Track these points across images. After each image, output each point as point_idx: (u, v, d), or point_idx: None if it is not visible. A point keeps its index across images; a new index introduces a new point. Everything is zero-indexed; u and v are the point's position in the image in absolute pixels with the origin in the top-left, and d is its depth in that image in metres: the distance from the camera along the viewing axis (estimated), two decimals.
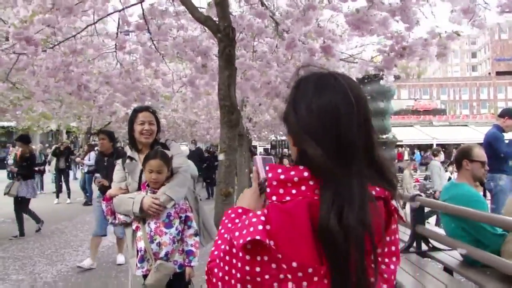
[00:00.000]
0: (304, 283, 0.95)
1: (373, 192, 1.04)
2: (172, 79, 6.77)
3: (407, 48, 4.97)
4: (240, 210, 1.19)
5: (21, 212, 8.75)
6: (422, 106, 54.78)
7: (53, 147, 16.05)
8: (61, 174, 14.12)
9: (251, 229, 0.96)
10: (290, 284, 0.95)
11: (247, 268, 0.96)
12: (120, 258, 6.62)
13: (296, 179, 1.00)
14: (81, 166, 15.62)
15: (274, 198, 1.00)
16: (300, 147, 1.06)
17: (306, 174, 1.01)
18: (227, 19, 4.22)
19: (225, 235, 1.10)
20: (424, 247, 4.69)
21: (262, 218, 0.98)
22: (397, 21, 4.67)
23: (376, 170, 1.06)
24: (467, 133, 38.91)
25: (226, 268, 1.01)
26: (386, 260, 1.07)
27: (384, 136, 10.15)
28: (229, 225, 1.14)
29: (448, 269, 4.20)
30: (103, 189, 5.76)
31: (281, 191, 1.00)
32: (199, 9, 4.67)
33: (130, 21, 5.45)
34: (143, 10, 5.29)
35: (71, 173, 16.60)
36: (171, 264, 3.12)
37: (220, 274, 1.03)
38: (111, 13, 5.50)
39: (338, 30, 6.11)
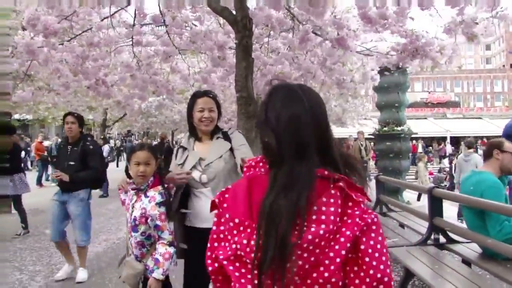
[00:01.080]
0: (234, 231, 1.29)
1: (319, 174, 1.29)
2: (188, 73, 6.74)
3: (420, 49, 4.93)
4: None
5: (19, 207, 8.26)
6: (436, 99, 54.27)
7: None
8: None
9: (220, 197, 1.38)
10: (236, 238, 1.28)
11: (214, 228, 1.37)
12: (82, 275, 5.39)
13: (253, 163, 1.40)
14: None
15: (241, 175, 1.48)
16: (263, 139, 1.37)
17: (259, 158, 1.40)
18: (244, 10, 4.20)
19: None
20: (442, 239, 4.67)
21: (226, 189, 1.39)
22: (412, 19, 4.62)
23: (331, 161, 1.34)
24: (481, 126, 38.53)
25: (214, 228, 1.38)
26: (313, 225, 1.25)
27: (399, 129, 10.01)
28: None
29: (466, 262, 4.17)
30: (62, 185, 5.27)
31: (248, 173, 1.39)
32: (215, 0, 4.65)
33: (147, 13, 5.44)
34: (159, 3, 5.29)
35: None
36: (140, 265, 2.94)
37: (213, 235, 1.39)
38: (127, 6, 5.49)
39: (354, 25, 6.04)
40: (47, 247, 7.04)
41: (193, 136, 3.14)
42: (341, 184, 1.28)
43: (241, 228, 1.28)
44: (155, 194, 2.90)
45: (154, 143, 16.35)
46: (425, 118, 43.33)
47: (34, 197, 13.01)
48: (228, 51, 5.67)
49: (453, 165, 14.82)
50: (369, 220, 1.27)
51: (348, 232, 1.24)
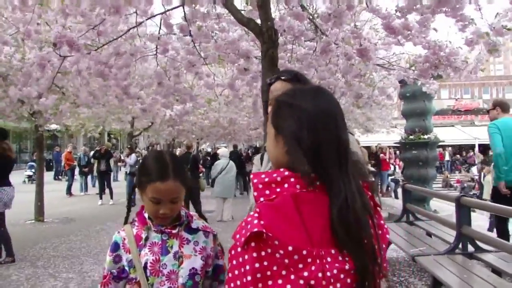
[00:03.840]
0: (300, 265, 1.06)
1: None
2: (214, 81, 6.83)
3: (443, 59, 4.91)
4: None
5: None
6: (464, 106, 53.33)
7: (93, 151, 16.52)
8: (103, 176, 14.52)
9: (249, 226, 1.08)
10: (305, 272, 1.06)
11: (257, 265, 1.06)
12: None
13: (279, 178, 1.15)
14: (124, 167, 16.07)
15: (261, 199, 1.14)
16: (298, 141, 1.19)
17: (286, 173, 1.15)
18: (270, 21, 4.27)
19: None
20: (470, 248, 4.63)
21: (256, 215, 1.10)
22: (436, 30, 4.60)
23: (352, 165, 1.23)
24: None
25: (236, 272, 1.10)
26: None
27: (426, 137, 9.90)
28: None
29: (496, 271, 4.12)
30: None
31: (267, 192, 1.14)
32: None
33: (172, 24, 5.56)
34: (184, 13, 5.39)
35: (111, 175, 17.02)
36: None
37: (232, 285, 1.11)
38: (154, 16, 5.62)
39: (375, 37, 6.06)
40: (78, 255, 7.22)
41: None
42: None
43: (309, 260, 1.07)
44: (204, 222, 1.99)
45: (178, 152, 16.49)
46: (452, 126, 42.59)
47: (64, 206, 13.36)
48: (254, 60, 5.74)
49: (482, 173, 14.39)
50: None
51: (384, 246, 1.24)
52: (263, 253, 1.06)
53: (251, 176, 1.22)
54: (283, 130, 1.24)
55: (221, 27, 5.75)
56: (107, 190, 14.36)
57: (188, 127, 15.97)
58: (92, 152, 17.11)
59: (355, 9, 4.81)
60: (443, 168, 31.72)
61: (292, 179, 1.14)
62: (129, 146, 16.06)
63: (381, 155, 17.07)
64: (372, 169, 14.40)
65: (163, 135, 16.99)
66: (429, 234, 5.84)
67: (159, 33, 5.76)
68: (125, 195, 14.26)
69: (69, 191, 16.59)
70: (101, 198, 14.16)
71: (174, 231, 1.84)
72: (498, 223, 5.90)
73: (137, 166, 14.10)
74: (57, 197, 15.16)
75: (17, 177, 7.29)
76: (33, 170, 19.96)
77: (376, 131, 19.90)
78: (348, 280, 1.10)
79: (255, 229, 1.06)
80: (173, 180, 1.75)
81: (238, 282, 1.09)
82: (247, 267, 1.07)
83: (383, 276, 1.19)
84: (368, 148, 15.68)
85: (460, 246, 4.62)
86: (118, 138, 31.46)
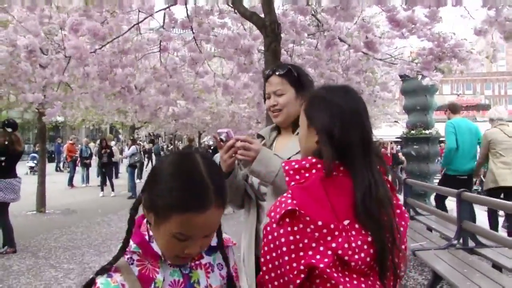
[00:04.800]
0: (329, 238, 1.21)
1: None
2: (214, 79, 6.75)
3: (448, 50, 4.88)
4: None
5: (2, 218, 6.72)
6: (465, 102, 53.14)
7: (96, 149, 16.40)
8: (104, 169, 14.55)
9: (283, 205, 1.24)
10: (333, 243, 1.21)
11: (291, 238, 1.20)
12: None
13: (307, 165, 1.31)
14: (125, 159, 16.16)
15: (292, 183, 1.30)
16: (326, 132, 1.34)
17: (314, 160, 1.32)
18: (273, 15, 4.26)
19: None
20: (471, 243, 4.65)
21: (289, 195, 1.27)
22: (440, 20, 4.57)
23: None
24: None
25: (272, 245, 1.23)
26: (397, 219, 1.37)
27: (428, 132, 9.89)
28: None
29: (497, 266, 4.13)
30: None
31: (297, 177, 1.30)
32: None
33: (177, 18, 5.53)
34: (187, 9, 5.38)
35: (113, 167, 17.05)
36: None
37: (268, 257, 1.25)
38: (157, 11, 5.61)
39: (378, 32, 6.04)
40: (79, 246, 7.24)
41: (276, 128, 2.30)
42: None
43: (336, 233, 1.22)
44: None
45: (181, 146, 16.58)
46: None
47: (66, 197, 13.40)
48: (254, 56, 5.72)
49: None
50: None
51: (403, 223, 1.41)
52: (295, 228, 1.20)
53: (282, 164, 1.37)
54: (315, 122, 1.39)
55: (222, 23, 5.73)
56: (109, 183, 14.41)
57: (190, 121, 15.97)
58: (95, 143, 17.14)
59: (362, 1, 4.78)
60: None
61: (319, 165, 1.30)
62: (131, 138, 16.08)
63: (382, 149, 17.06)
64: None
65: (166, 128, 16.98)
66: (430, 229, 5.85)
67: (163, 26, 5.75)
68: (126, 187, 14.33)
69: (70, 183, 16.63)
70: (102, 190, 14.20)
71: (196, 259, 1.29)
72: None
73: (136, 158, 14.18)
74: (58, 189, 15.20)
75: (20, 168, 7.27)
76: (35, 162, 19.99)
77: (378, 127, 19.87)
78: (371, 251, 1.25)
79: (289, 208, 1.22)
80: (216, 207, 1.12)
81: (274, 254, 1.22)
82: (282, 240, 1.21)
83: (399, 252, 1.32)
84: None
85: (461, 241, 4.63)
86: (120, 130, 31.43)
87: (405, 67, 5.93)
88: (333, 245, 1.20)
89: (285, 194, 1.28)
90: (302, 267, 1.19)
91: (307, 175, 1.30)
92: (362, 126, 1.37)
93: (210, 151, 21.03)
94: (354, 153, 1.31)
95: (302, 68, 2.26)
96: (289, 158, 1.96)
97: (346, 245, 1.21)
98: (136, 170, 14.68)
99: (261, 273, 1.29)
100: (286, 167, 1.33)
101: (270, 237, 1.24)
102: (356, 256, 1.21)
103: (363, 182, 1.28)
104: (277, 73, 2.13)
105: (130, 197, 13.38)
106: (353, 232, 1.23)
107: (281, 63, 2.32)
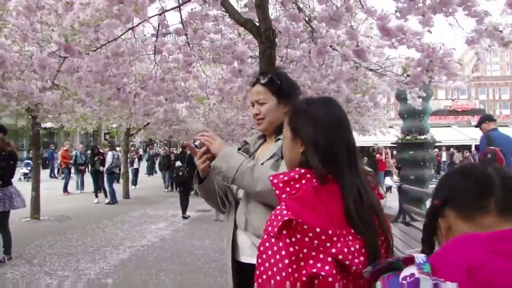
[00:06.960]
0: (328, 244, 1.21)
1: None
2: (206, 82, 6.76)
3: (437, 61, 4.89)
4: None
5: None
6: (460, 106, 53.46)
7: (90, 156, 16.29)
8: (97, 176, 14.52)
9: (279, 217, 1.23)
10: (333, 249, 1.21)
11: (291, 249, 1.19)
12: None
13: (297, 176, 1.33)
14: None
15: (284, 196, 1.31)
16: (313, 142, 1.37)
17: (303, 171, 1.34)
18: (268, 21, 4.27)
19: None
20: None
21: (283, 207, 1.25)
22: (430, 32, 4.57)
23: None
24: (507, 134, 37.69)
25: (272, 261, 1.20)
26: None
27: (423, 137, 9.92)
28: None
29: None
30: None
31: (287, 189, 1.31)
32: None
33: (169, 25, 5.53)
34: (181, 15, 5.37)
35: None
36: None
37: (264, 277, 1.21)
38: (152, 16, 5.60)
39: (368, 41, 6.06)
40: (74, 253, 7.20)
41: (263, 136, 2.31)
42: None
43: (335, 238, 1.22)
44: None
45: (176, 152, 16.60)
46: (449, 126, 42.69)
47: (60, 204, 13.35)
48: (248, 61, 5.72)
49: None
50: None
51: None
52: (293, 239, 1.20)
53: (270, 177, 1.38)
54: (300, 133, 1.41)
55: (217, 29, 5.73)
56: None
57: (184, 127, 15.94)
58: (89, 150, 17.08)
59: (352, 11, 4.80)
60: (440, 169, 31.74)
61: (309, 175, 1.33)
62: (109, 144, 16.01)
63: (377, 155, 17.05)
64: (369, 169, 14.41)
65: (160, 134, 16.96)
66: None
67: (157, 33, 5.75)
68: (121, 194, 14.31)
69: (65, 189, 16.57)
70: (96, 196, 14.16)
71: None
72: None
73: (113, 164, 14.07)
74: (53, 195, 15.10)
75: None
76: (29, 168, 19.89)
77: (373, 133, 19.87)
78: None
79: (286, 218, 1.20)
80: None
81: (275, 269, 1.20)
82: (283, 253, 1.19)
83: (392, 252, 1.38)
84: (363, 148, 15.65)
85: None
86: (114, 136, 31.36)
87: (394, 79, 5.91)
88: (333, 250, 1.21)
89: (278, 207, 1.28)
90: (304, 278, 1.18)
91: (297, 185, 1.32)
92: (346, 135, 1.41)
93: None
94: (339, 161, 1.36)
95: (287, 75, 2.29)
96: (262, 163, 2.07)
97: (345, 250, 1.22)
98: (114, 176, 14.81)
99: None
100: (275, 181, 1.35)
101: (269, 252, 1.22)
102: (356, 260, 1.23)
103: (351, 188, 1.31)
104: (260, 82, 2.16)
105: (109, 203, 13.47)
106: (350, 237, 1.25)
107: (265, 71, 2.33)
